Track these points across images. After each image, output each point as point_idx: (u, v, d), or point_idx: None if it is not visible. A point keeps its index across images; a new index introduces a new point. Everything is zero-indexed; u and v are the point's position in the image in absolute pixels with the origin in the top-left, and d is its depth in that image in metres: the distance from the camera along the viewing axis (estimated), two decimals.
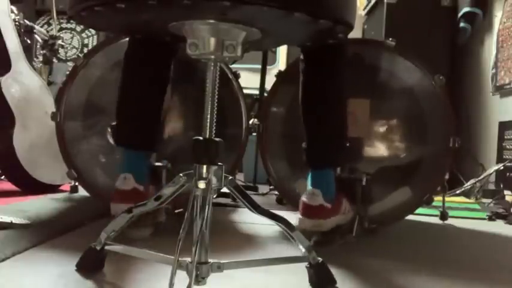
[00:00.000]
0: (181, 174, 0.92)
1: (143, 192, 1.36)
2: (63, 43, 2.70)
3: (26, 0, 3.50)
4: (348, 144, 1.46)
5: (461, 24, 3.05)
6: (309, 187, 1.34)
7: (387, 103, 1.69)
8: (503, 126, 2.80)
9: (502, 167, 2.62)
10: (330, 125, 1.41)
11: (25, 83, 2.13)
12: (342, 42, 1.39)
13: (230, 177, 0.92)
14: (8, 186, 2.10)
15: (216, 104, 0.92)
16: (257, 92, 2.69)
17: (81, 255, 1.03)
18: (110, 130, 1.63)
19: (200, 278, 0.85)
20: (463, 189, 2.68)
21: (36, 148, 2.08)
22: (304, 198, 1.32)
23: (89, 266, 1.02)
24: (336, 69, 1.40)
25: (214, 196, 0.90)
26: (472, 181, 2.70)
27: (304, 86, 1.41)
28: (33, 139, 2.08)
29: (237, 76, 1.71)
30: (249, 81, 2.46)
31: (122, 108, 1.44)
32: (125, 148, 1.44)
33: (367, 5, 3.70)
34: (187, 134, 1.73)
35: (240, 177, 2.80)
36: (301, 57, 1.42)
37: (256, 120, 1.73)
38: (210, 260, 0.87)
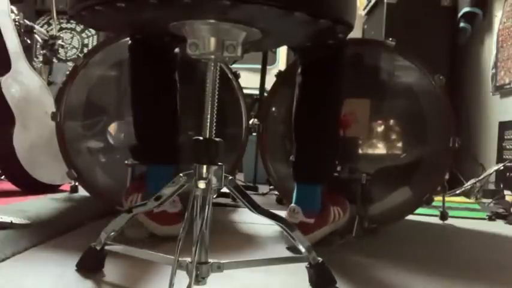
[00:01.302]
0: (181, 174, 0.91)
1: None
2: (63, 43, 2.69)
3: (26, 0, 3.50)
4: (337, 162, 1.48)
5: (461, 24, 3.05)
6: (292, 204, 1.35)
7: (387, 103, 1.69)
8: (503, 126, 2.80)
9: (502, 167, 2.62)
10: (322, 143, 1.40)
11: (25, 83, 2.13)
12: (341, 53, 1.38)
13: (230, 177, 0.92)
14: (8, 186, 2.10)
15: (216, 104, 0.92)
16: (257, 92, 2.69)
17: (81, 255, 1.03)
18: (114, 134, 1.60)
19: (200, 278, 0.85)
20: (463, 189, 2.68)
21: (36, 148, 2.08)
22: (286, 215, 1.33)
23: (89, 266, 1.02)
24: (333, 87, 1.39)
25: (214, 196, 0.90)
26: (472, 181, 2.70)
27: (299, 101, 1.40)
28: (33, 139, 2.08)
29: (237, 76, 1.71)
30: (249, 81, 2.46)
31: (139, 125, 1.42)
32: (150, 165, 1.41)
33: (367, 5, 3.70)
34: (187, 133, 1.73)
35: (240, 177, 2.79)
36: (299, 71, 1.41)
37: (256, 120, 1.72)
38: (210, 260, 0.87)
